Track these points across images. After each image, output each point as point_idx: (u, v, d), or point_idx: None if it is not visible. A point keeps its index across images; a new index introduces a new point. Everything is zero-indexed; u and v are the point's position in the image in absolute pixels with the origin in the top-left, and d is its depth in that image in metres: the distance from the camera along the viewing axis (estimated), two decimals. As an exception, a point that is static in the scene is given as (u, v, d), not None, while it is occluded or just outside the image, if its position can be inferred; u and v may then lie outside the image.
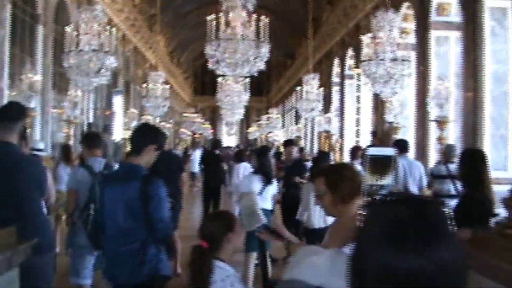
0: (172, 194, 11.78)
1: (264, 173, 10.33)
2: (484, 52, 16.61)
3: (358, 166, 15.83)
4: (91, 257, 8.12)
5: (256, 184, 10.32)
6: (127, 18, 34.64)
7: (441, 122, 16.64)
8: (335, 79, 38.00)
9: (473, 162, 6.97)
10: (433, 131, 20.32)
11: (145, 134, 5.86)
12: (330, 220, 10.49)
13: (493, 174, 8.25)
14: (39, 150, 12.21)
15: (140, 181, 5.47)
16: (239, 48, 13.01)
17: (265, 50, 13.38)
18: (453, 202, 8.85)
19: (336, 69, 38.29)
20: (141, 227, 5.46)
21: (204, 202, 17.22)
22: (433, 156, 20.50)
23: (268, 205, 10.57)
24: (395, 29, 14.28)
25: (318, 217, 9.84)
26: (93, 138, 8.80)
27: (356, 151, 15.93)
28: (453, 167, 10.61)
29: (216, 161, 18.00)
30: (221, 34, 13.44)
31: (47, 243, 5.81)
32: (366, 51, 14.67)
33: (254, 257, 9.98)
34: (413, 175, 12.53)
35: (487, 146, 15.90)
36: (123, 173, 5.91)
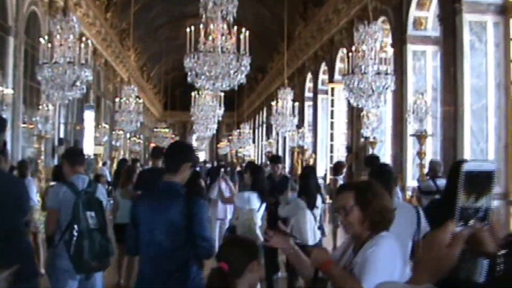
0: None
1: (260, 190, 9.93)
2: (464, 66, 16.49)
3: (341, 182, 15.72)
4: (74, 282, 7.46)
5: (254, 201, 10.00)
6: (99, 32, 34.24)
7: (421, 137, 16.42)
8: (308, 94, 37.91)
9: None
10: (410, 145, 20.19)
11: (180, 152, 5.83)
12: (318, 235, 10.42)
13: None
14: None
15: (182, 200, 5.45)
16: (220, 60, 12.69)
17: (246, 63, 13.05)
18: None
19: (308, 84, 38.21)
20: (182, 246, 5.38)
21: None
22: (410, 171, 20.36)
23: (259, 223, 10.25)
24: (377, 42, 14.04)
25: (311, 233, 9.75)
26: (76, 154, 8.13)
27: (340, 167, 15.77)
28: (441, 182, 10.43)
29: (194, 177, 17.50)
30: (201, 46, 13.05)
31: (31, 269, 5.44)
32: (346, 65, 14.44)
33: None
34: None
35: (467, 159, 15.68)
36: (162, 192, 5.75)
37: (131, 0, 31.03)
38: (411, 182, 19.72)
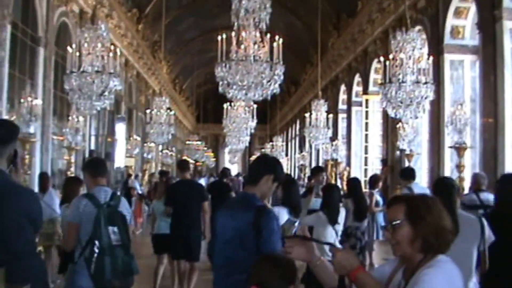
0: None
1: (292, 206, 9.25)
2: (504, 75, 15.94)
3: (377, 196, 15.25)
4: None
5: (284, 218, 9.41)
6: (130, 44, 34.11)
7: (460, 149, 15.85)
8: (342, 106, 37.49)
9: None
10: (448, 158, 19.64)
11: (263, 165, 5.79)
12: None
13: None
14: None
15: (254, 212, 5.36)
16: (252, 69, 12.24)
17: (279, 72, 12.59)
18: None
19: (342, 96, 37.79)
20: (250, 258, 5.09)
21: (213, 233, 16.18)
22: (448, 184, 19.75)
23: None
24: (416, 50, 13.52)
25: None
26: (97, 164, 7.67)
27: (376, 180, 15.28)
28: (484, 196, 9.94)
29: (225, 190, 17.03)
30: (233, 55, 12.61)
31: None
32: (383, 73, 13.93)
33: None
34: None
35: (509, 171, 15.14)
36: (238, 201, 5.87)
37: (162, 13, 30.77)
38: (450, 195, 19.15)
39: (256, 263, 4.49)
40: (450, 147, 16.94)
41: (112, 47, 13.33)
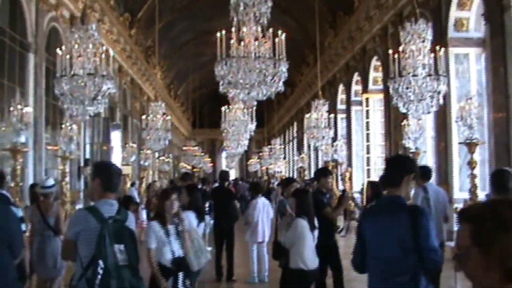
0: None
1: (197, 209, 9.25)
2: (516, 67, 15.35)
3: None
4: None
5: (192, 221, 9.91)
6: (123, 50, 33.51)
7: (471, 144, 15.11)
8: (340, 106, 36.98)
9: None
10: (456, 154, 19.02)
11: (402, 165, 5.73)
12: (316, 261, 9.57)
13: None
14: (49, 187, 11.12)
15: (407, 213, 5.37)
16: (254, 67, 11.54)
17: (283, 68, 11.92)
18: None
19: (340, 96, 37.29)
20: (410, 258, 5.29)
21: (216, 244, 15.46)
22: (457, 182, 19.18)
23: None
24: (426, 41, 12.84)
25: (311, 256, 9.40)
26: (113, 176, 6.37)
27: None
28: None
29: (227, 197, 16.23)
30: (233, 52, 11.92)
31: None
32: (392, 67, 13.17)
33: None
34: (437, 205, 11.60)
35: (523, 168, 14.53)
36: (387, 205, 5.65)
37: (155, 17, 30.19)
38: (459, 194, 18.53)
39: None
40: (461, 143, 16.22)
41: (104, 48, 12.60)
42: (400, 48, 13.06)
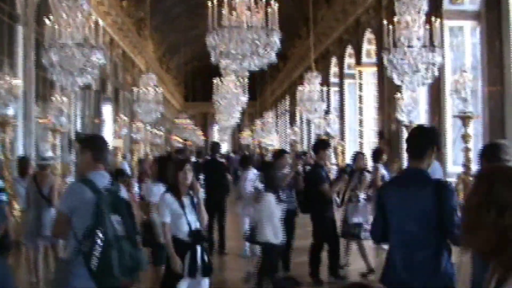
0: None
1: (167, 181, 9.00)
2: (510, 40, 15.19)
3: (383, 170, 14.36)
4: None
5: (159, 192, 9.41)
6: (115, 22, 33.17)
7: (466, 118, 14.97)
8: (333, 79, 36.74)
9: None
10: (449, 128, 18.90)
11: (425, 138, 5.60)
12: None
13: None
14: (46, 159, 11.16)
15: (433, 187, 5.28)
16: (247, 37, 11.34)
17: (276, 39, 11.72)
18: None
19: (333, 69, 37.05)
20: (433, 233, 5.27)
21: (208, 216, 15.32)
22: (451, 156, 19.07)
23: None
24: (422, 12, 12.65)
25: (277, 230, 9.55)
26: (103, 146, 6.28)
27: (379, 153, 14.37)
28: None
29: (219, 169, 16.07)
30: (225, 22, 11.71)
31: None
32: (387, 38, 12.97)
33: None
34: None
35: (518, 142, 14.40)
36: (410, 178, 5.56)
37: (147, -12, 29.92)
38: (453, 167, 18.40)
39: None
40: (455, 116, 16.09)
41: (93, 18, 12.37)
42: (395, 19, 12.86)
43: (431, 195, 5.22)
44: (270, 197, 9.58)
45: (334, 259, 11.51)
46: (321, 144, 12.00)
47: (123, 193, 6.03)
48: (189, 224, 7.61)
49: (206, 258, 7.77)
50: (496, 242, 2.44)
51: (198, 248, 7.65)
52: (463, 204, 2.66)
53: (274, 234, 9.55)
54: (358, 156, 13.61)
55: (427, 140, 5.53)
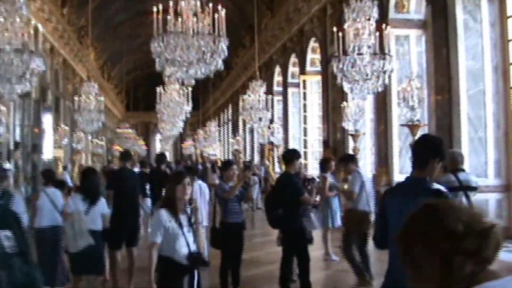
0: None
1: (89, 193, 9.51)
2: (458, 48, 15.17)
3: (331, 179, 14.15)
4: None
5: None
6: (55, 29, 32.49)
7: (414, 126, 14.91)
8: (277, 88, 36.65)
9: None
10: (396, 137, 18.86)
11: (429, 148, 5.52)
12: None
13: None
14: (5, 170, 11.17)
15: (432, 196, 5.03)
16: (193, 43, 11.00)
17: (223, 46, 11.41)
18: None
19: (276, 78, 36.97)
20: None
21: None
22: (397, 165, 19.05)
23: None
24: (372, 19, 12.48)
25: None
26: None
27: (327, 162, 14.12)
28: (464, 176, 8.93)
29: (165, 180, 15.63)
30: (170, 27, 11.34)
31: None
32: (336, 45, 12.75)
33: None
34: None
35: (465, 150, 14.46)
36: (411, 187, 5.45)
37: (88, -5, 29.33)
38: (399, 176, 18.32)
39: None
40: (402, 125, 16.00)
41: (32, 23, 11.88)
42: (346, 26, 12.66)
43: None
44: (163, 212, 9.24)
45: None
46: (295, 154, 11.55)
47: (17, 206, 5.64)
48: (188, 246, 6.83)
49: (201, 284, 7.20)
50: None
51: (196, 273, 6.95)
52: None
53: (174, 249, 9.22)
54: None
55: (430, 150, 5.48)
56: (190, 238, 6.87)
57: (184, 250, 6.78)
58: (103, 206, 10.06)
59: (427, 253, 2.21)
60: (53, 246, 10.63)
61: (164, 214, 6.87)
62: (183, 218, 6.91)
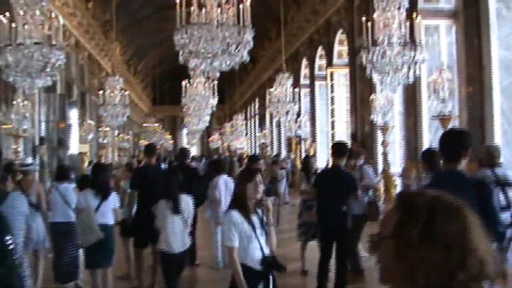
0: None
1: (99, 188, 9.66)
2: (490, 37, 14.71)
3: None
4: None
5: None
6: (80, 24, 32.32)
7: (444, 119, 14.49)
8: (303, 81, 36.27)
9: None
10: (426, 129, 18.41)
11: (460, 141, 5.54)
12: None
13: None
14: (28, 165, 11.48)
15: (474, 187, 5.26)
16: (217, 35, 10.69)
17: (248, 37, 11.09)
18: (506, 215, 7.49)
19: (303, 71, 36.61)
20: None
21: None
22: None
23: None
24: (403, 9, 12.10)
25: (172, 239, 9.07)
26: None
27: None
28: (501, 171, 8.49)
29: (190, 175, 14.89)
30: (194, 18, 11.04)
31: None
32: (365, 36, 12.35)
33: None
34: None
35: (498, 143, 13.93)
36: (449, 179, 5.37)
37: (113, -11, 29.15)
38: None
39: None
40: (434, 117, 15.59)
41: (53, 14, 11.60)
42: (375, 15, 12.27)
43: (472, 196, 4.73)
44: (162, 205, 9.01)
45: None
46: (347, 148, 11.01)
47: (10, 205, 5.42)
48: (261, 249, 6.23)
49: None
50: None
51: (271, 279, 6.33)
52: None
53: (166, 243, 9.06)
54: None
55: (461, 143, 5.48)
56: (263, 241, 6.28)
57: (257, 254, 6.21)
58: (114, 201, 10.08)
59: None
60: (70, 241, 10.77)
61: (235, 215, 6.26)
62: (255, 219, 6.32)
